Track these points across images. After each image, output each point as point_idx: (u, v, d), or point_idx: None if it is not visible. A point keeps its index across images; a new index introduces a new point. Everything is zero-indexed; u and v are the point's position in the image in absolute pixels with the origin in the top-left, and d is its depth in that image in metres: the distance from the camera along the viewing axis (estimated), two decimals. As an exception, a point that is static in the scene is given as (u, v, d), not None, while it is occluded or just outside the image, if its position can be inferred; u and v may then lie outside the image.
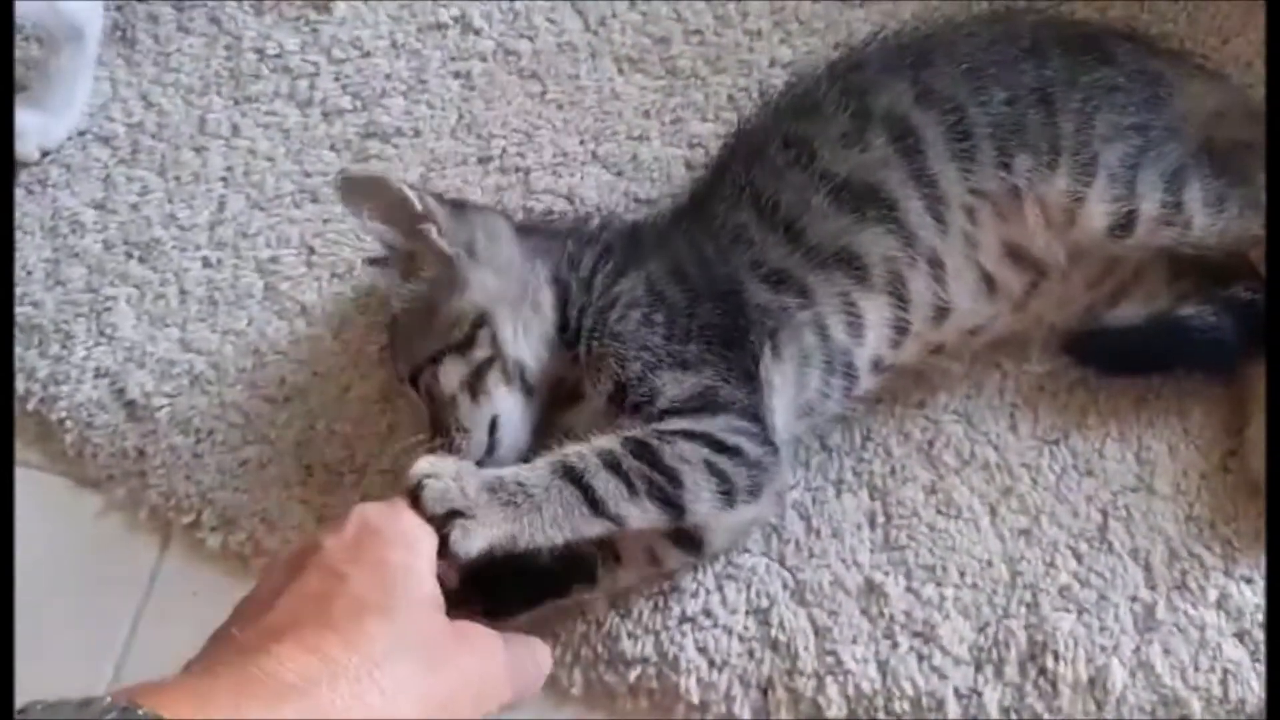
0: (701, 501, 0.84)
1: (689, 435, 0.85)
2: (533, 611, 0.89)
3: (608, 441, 0.84)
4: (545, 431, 0.93)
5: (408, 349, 0.95)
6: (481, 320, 0.92)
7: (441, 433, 0.90)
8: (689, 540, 0.91)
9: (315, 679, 0.60)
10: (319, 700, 0.60)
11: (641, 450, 0.84)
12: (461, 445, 0.89)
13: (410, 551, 0.71)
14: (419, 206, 0.93)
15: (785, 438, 0.92)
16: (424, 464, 0.78)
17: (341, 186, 0.96)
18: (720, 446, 0.85)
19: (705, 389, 0.88)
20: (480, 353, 0.91)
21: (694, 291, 0.92)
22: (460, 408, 0.90)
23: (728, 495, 0.85)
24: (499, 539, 0.78)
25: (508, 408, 0.91)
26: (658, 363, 0.89)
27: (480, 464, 0.86)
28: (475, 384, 0.91)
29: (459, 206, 0.98)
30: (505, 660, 0.71)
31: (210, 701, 0.57)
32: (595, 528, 0.82)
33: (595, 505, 0.81)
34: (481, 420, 0.90)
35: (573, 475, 0.81)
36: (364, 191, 0.94)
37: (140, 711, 0.54)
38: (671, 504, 0.83)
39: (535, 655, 0.77)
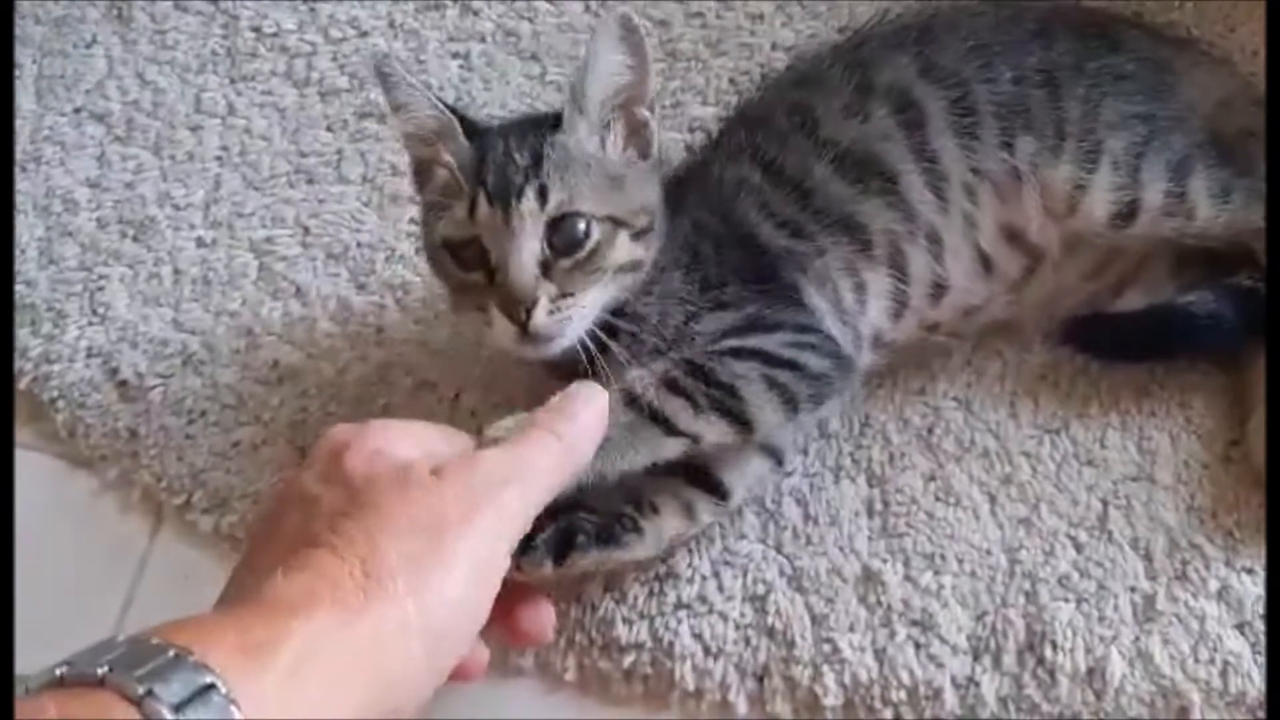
0: (765, 413, 0.84)
1: (738, 353, 0.85)
2: (582, 560, 0.86)
3: (664, 365, 0.84)
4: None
5: (584, 191, 0.84)
6: (652, 224, 0.88)
7: (517, 277, 0.82)
8: (717, 488, 0.90)
9: (316, 592, 0.60)
10: (326, 608, 0.60)
11: (696, 370, 0.84)
12: (566, 309, 0.82)
13: (378, 460, 0.69)
14: (650, 95, 0.88)
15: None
16: (501, 421, 0.76)
17: (621, 21, 0.84)
18: (776, 361, 0.85)
19: (748, 316, 0.88)
20: (641, 251, 0.86)
21: (718, 240, 0.91)
22: (600, 281, 0.84)
23: (790, 406, 0.85)
24: (588, 479, 0.78)
25: (595, 313, 0.85)
26: (698, 311, 0.88)
27: (540, 344, 0.83)
28: (621, 273, 0.85)
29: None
30: (512, 473, 0.70)
31: (225, 632, 0.57)
32: (672, 448, 0.82)
33: (666, 425, 0.81)
34: (599, 305, 0.84)
35: (637, 403, 0.81)
36: (632, 41, 0.85)
37: (153, 641, 0.55)
38: (737, 417, 0.83)
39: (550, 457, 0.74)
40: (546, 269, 0.83)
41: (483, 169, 0.85)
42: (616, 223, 0.85)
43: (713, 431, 0.83)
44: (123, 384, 1.09)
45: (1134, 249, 0.95)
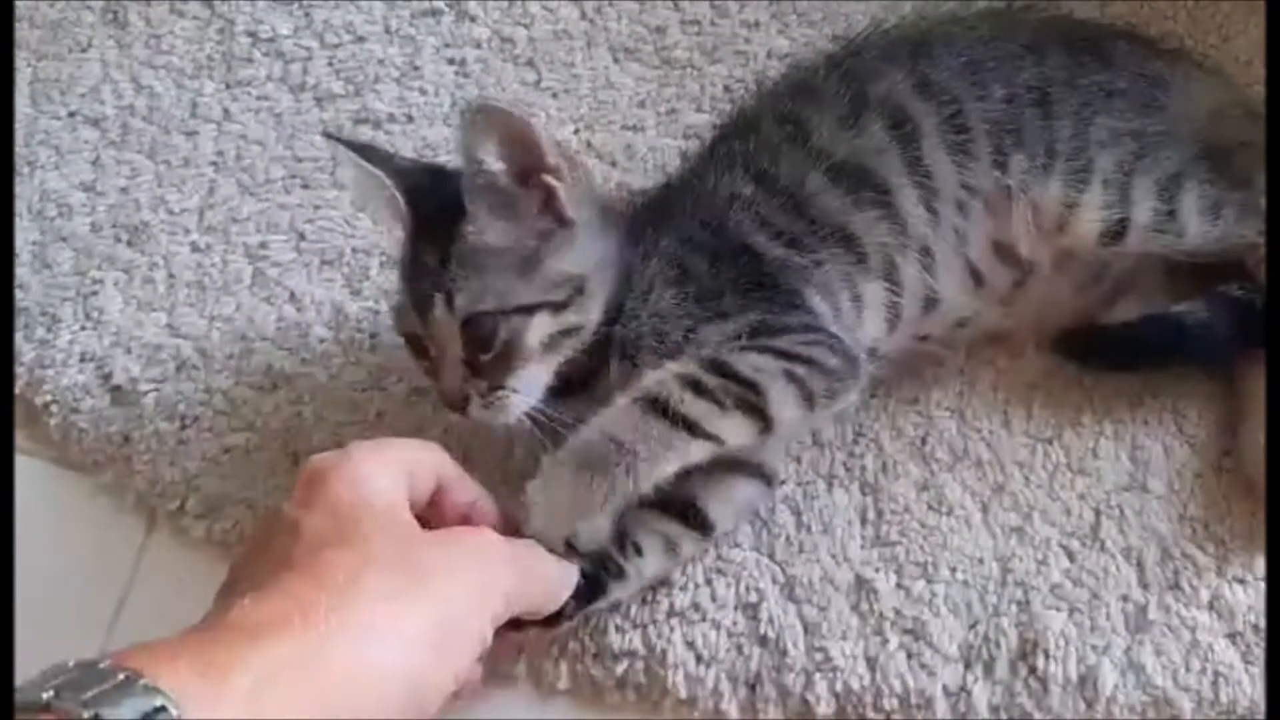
0: (784, 406, 0.84)
1: (759, 349, 0.85)
2: (572, 620, 0.87)
3: (681, 365, 0.84)
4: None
5: (489, 286, 0.85)
6: (581, 289, 0.87)
7: (446, 380, 0.86)
8: (699, 521, 0.90)
9: (285, 614, 0.60)
10: (295, 633, 0.59)
11: (717, 367, 0.83)
12: (497, 401, 0.85)
13: (362, 487, 0.70)
14: (551, 162, 0.86)
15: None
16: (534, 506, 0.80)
17: (478, 110, 0.85)
18: (792, 356, 0.85)
19: (753, 323, 0.87)
20: (570, 318, 0.87)
21: (713, 254, 0.91)
22: (524, 366, 0.85)
23: (808, 400, 0.85)
24: (619, 504, 0.80)
25: (550, 376, 0.87)
26: (695, 325, 0.87)
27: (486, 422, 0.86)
28: (552, 346, 0.86)
29: (574, 164, 0.92)
30: (507, 557, 0.73)
31: (180, 654, 0.57)
32: (698, 451, 0.82)
33: (691, 428, 0.81)
34: (537, 384, 0.86)
35: (659, 407, 0.81)
36: (499, 125, 0.84)
37: (101, 665, 0.54)
38: (757, 411, 0.83)
39: (549, 566, 0.79)
40: (473, 366, 0.85)
41: (408, 272, 0.89)
42: (528, 310, 0.85)
43: (737, 432, 0.83)
44: (116, 389, 1.08)
45: (1127, 264, 0.95)
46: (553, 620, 0.84)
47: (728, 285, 0.89)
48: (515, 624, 0.77)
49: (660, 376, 0.83)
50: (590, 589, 0.86)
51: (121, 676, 0.53)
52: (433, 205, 0.88)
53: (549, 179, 0.87)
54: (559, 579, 0.81)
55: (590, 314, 0.88)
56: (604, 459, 0.80)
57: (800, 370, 0.85)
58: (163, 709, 0.52)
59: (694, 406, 0.82)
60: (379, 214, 0.96)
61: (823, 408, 0.87)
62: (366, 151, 0.93)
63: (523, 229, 0.87)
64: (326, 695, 0.59)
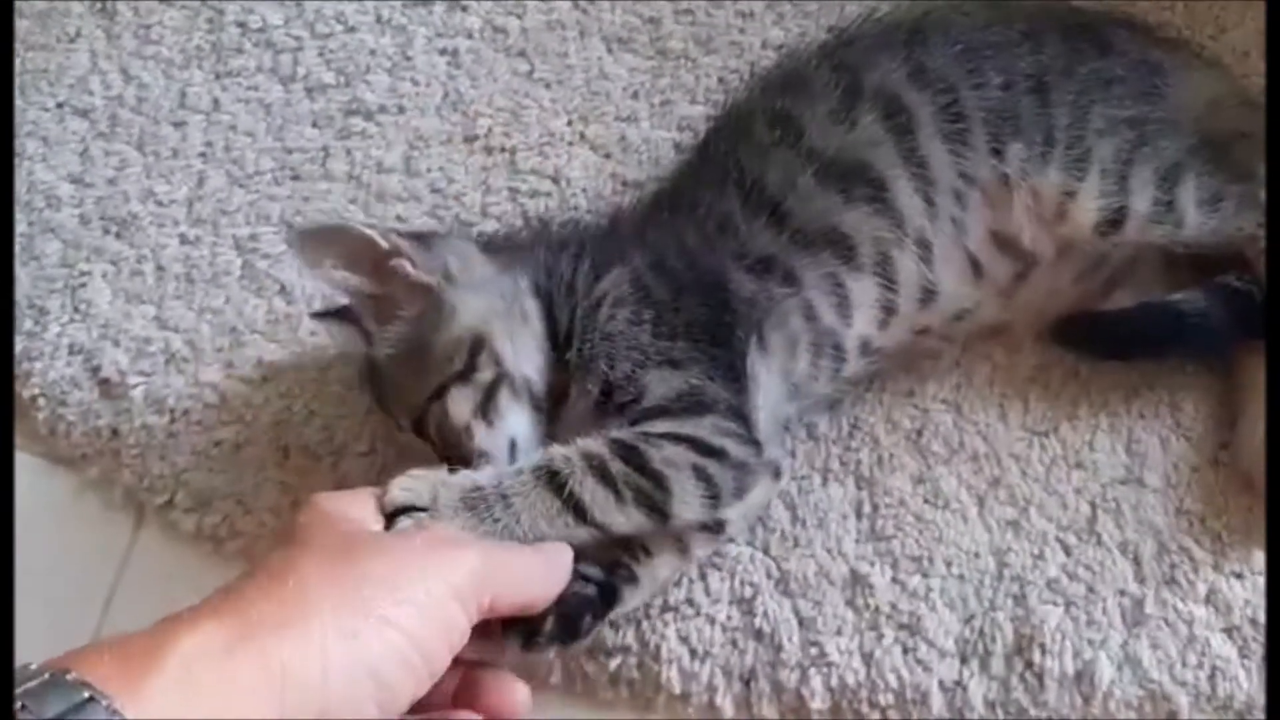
0: (688, 507, 0.82)
1: (675, 438, 0.83)
2: (589, 637, 0.87)
3: (594, 445, 0.82)
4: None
5: (404, 394, 0.89)
6: (479, 343, 0.87)
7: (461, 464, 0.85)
8: (715, 522, 0.89)
9: (217, 607, 0.62)
10: (232, 618, 0.61)
11: (629, 454, 0.81)
12: (480, 467, 0.85)
13: (323, 511, 0.71)
14: (385, 245, 0.87)
15: (774, 423, 0.91)
16: (405, 477, 0.78)
17: (297, 242, 0.90)
18: (707, 449, 0.83)
19: (692, 388, 0.86)
20: (486, 374, 0.86)
21: (679, 285, 0.90)
22: (477, 435, 0.85)
23: (713, 500, 0.83)
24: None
25: (523, 425, 0.87)
26: (645, 361, 0.87)
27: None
28: (488, 408, 0.86)
29: (421, 237, 0.93)
30: (459, 540, 0.73)
31: (97, 650, 0.58)
32: (579, 534, 0.80)
33: (580, 513, 0.79)
34: (501, 443, 0.86)
35: (557, 483, 0.79)
36: (322, 242, 0.88)
37: (32, 667, 0.55)
38: (658, 509, 0.81)
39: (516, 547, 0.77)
40: (446, 457, 0.86)
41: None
42: (435, 394, 0.86)
43: (628, 525, 0.81)
44: (104, 382, 1.07)
45: (1125, 254, 0.95)
46: (571, 636, 0.83)
47: (684, 328, 0.88)
48: (531, 634, 0.79)
49: (566, 453, 0.81)
50: (605, 599, 0.86)
51: (47, 675, 0.55)
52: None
53: (394, 262, 0.88)
54: (538, 559, 0.78)
55: (507, 361, 0.87)
56: (488, 508, 0.78)
57: (711, 466, 0.83)
58: (92, 699, 0.54)
59: (592, 492, 0.80)
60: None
61: (728, 505, 0.85)
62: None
63: (402, 329, 0.89)
64: (272, 675, 0.59)
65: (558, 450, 0.81)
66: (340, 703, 0.61)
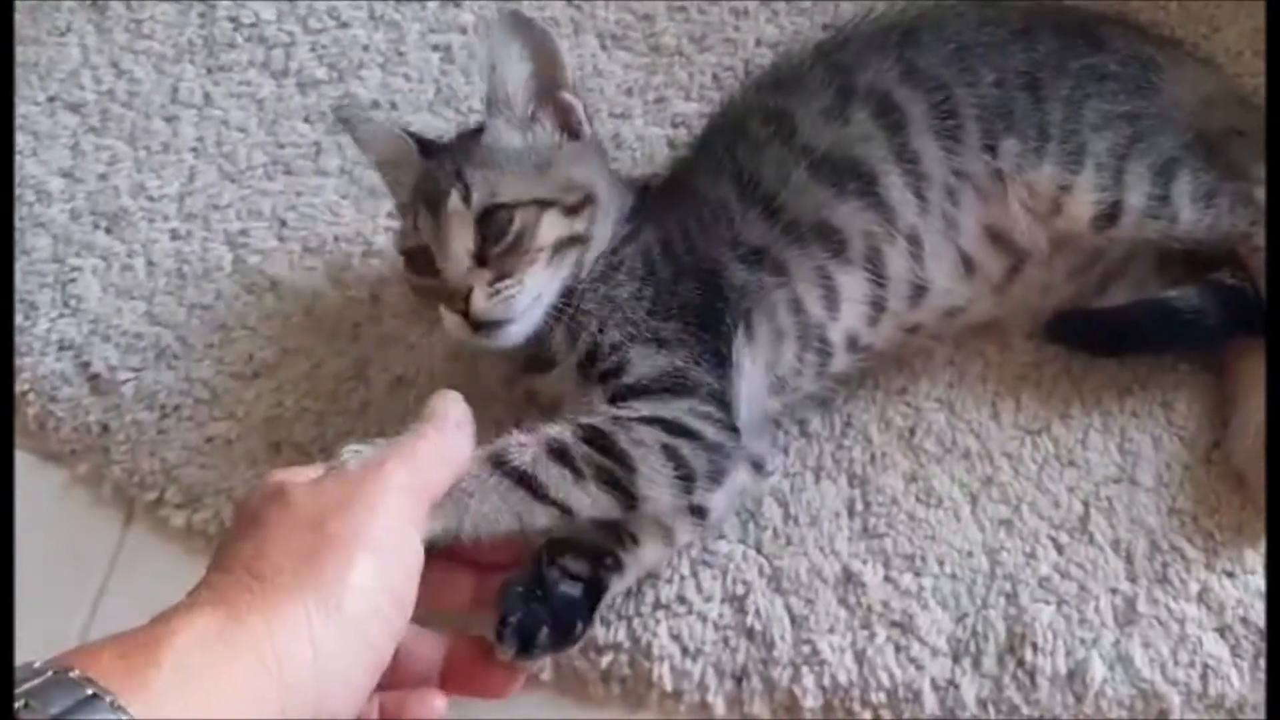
0: (656, 486, 0.82)
1: (648, 420, 0.83)
2: (583, 639, 0.86)
3: (557, 430, 0.82)
4: (511, 393, 0.95)
5: (505, 182, 0.89)
6: (591, 200, 0.91)
7: (452, 271, 0.87)
8: (697, 508, 0.89)
9: (196, 600, 0.63)
10: (214, 609, 0.61)
11: (594, 436, 0.81)
12: (504, 290, 0.86)
13: (268, 491, 0.71)
14: (570, 78, 0.93)
15: (756, 416, 0.91)
16: (354, 444, 0.76)
17: (509, 18, 0.90)
18: (680, 430, 0.83)
19: (676, 370, 0.86)
20: (580, 225, 0.90)
21: (679, 268, 0.91)
22: (534, 264, 0.87)
23: (686, 481, 0.82)
24: (432, 532, 0.74)
25: (552, 293, 0.88)
26: (635, 335, 0.88)
27: (491, 331, 0.86)
28: (561, 250, 0.88)
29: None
30: (404, 480, 0.71)
31: (95, 647, 0.58)
32: (541, 516, 0.79)
33: (537, 492, 0.79)
34: (540, 285, 0.87)
35: (507, 467, 0.78)
36: (524, 34, 0.90)
37: (35, 665, 0.56)
38: (622, 488, 0.81)
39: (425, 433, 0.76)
40: (483, 260, 0.87)
41: (422, 183, 0.92)
42: (543, 204, 0.88)
43: (592, 505, 0.80)
44: (94, 377, 1.07)
45: (1119, 250, 0.95)
46: (565, 640, 0.83)
47: (678, 309, 0.89)
48: (526, 643, 0.80)
49: (520, 440, 0.80)
50: (591, 595, 0.85)
51: (50, 674, 0.55)
52: (439, 145, 0.97)
53: (568, 96, 0.93)
54: (435, 433, 0.76)
55: (597, 230, 0.91)
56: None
57: (684, 447, 0.82)
58: (95, 696, 0.54)
59: (546, 469, 0.79)
60: (384, 172, 1.01)
61: (703, 490, 0.85)
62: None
63: (537, 139, 0.92)
64: (261, 657, 0.60)
65: (515, 437, 0.81)
66: (331, 677, 0.63)
